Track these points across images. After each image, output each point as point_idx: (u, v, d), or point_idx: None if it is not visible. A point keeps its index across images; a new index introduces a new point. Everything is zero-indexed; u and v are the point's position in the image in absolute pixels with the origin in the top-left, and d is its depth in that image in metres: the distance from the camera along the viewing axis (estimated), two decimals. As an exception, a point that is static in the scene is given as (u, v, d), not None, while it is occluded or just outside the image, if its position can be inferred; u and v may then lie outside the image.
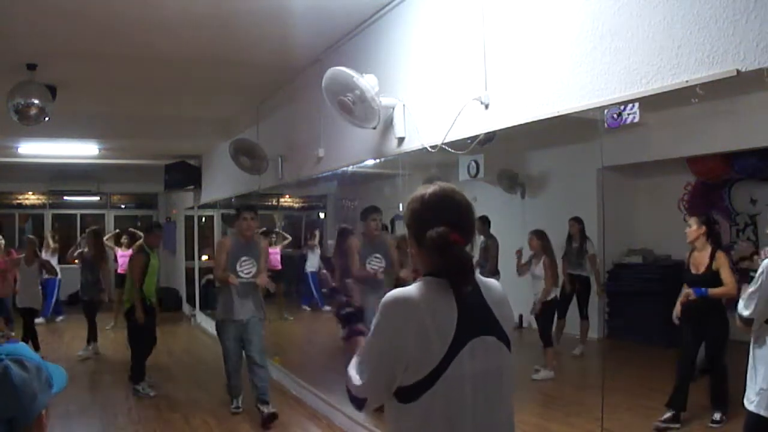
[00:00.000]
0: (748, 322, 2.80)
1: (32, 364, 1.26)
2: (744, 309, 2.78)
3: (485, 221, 6.52)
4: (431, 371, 1.47)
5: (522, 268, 5.93)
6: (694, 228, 4.40)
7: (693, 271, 4.42)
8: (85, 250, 8.04)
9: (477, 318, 1.55)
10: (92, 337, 7.92)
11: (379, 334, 1.54)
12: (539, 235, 5.85)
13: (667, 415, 4.35)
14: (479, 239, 6.63)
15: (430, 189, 1.63)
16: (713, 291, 4.21)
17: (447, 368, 1.47)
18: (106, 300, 8.13)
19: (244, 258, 5.22)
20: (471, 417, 1.51)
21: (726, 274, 4.22)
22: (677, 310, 4.41)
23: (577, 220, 6.12)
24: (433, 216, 1.57)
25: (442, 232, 1.53)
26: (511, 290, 5.80)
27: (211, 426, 5.18)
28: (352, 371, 1.59)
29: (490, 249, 6.43)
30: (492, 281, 1.68)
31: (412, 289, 1.54)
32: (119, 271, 10.15)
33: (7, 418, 1.20)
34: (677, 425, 4.33)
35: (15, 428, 1.21)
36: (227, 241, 5.40)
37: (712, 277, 4.26)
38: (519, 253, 6.02)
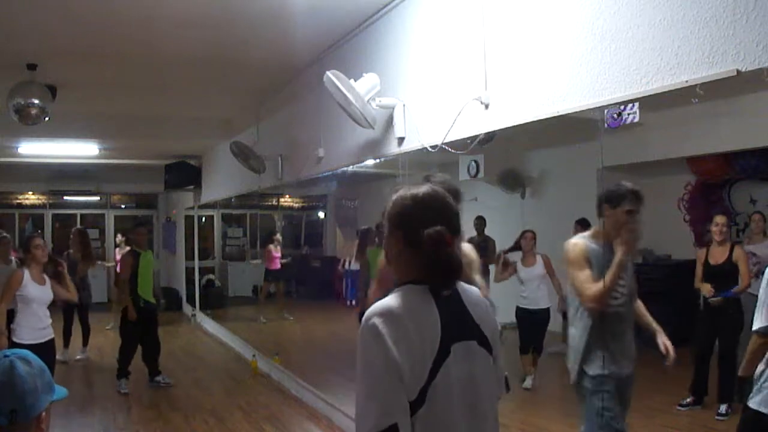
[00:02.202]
0: (763, 334, 2.60)
1: (37, 364, 1.29)
2: (757, 321, 2.61)
3: (482, 221, 6.52)
4: (423, 384, 1.42)
5: (504, 274, 5.69)
6: (724, 224, 4.83)
7: (712, 262, 4.83)
8: (71, 251, 7.86)
9: (458, 323, 1.53)
10: (85, 340, 7.88)
11: (371, 357, 1.42)
12: (534, 235, 5.80)
13: (688, 399, 4.80)
14: (475, 239, 6.63)
15: (423, 189, 1.58)
16: (736, 290, 4.65)
17: (436, 377, 1.44)
18: (91, 303, 7.99)
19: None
20: (461, 422, 1.49)
21: (743, 268, 4.68)
22: (707, 288, 4.80)
23: (581, 223, 6.07)
24: (428, 217, 1.54)
25: (441, 230, 1.51)
26: (511, 291, 5.72)
27: (211, 426, 5.18)
28: (361, 412, 1.41)
29: (489, 248, 6.43)
30: (470, 286, 1.65)
31: (391, 302, 1.47)
32: (118, 270, 10.19)
33: (9, 410, 1.22)
34: (699, 407, 4.81)
35: (16, 422, 1.23)
36: (585, 247, 2.96)
37: (730, 268, 4.72)
38: (501, 257, 5.80)
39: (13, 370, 1.24)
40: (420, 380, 1.41)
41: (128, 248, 9.15)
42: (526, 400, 5.44)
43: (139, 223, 7.03)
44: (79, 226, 10.51)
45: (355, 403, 1.43)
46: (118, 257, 10.21)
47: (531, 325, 5.66)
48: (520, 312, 5.68)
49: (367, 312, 1.46)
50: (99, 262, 9.91)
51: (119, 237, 10.91)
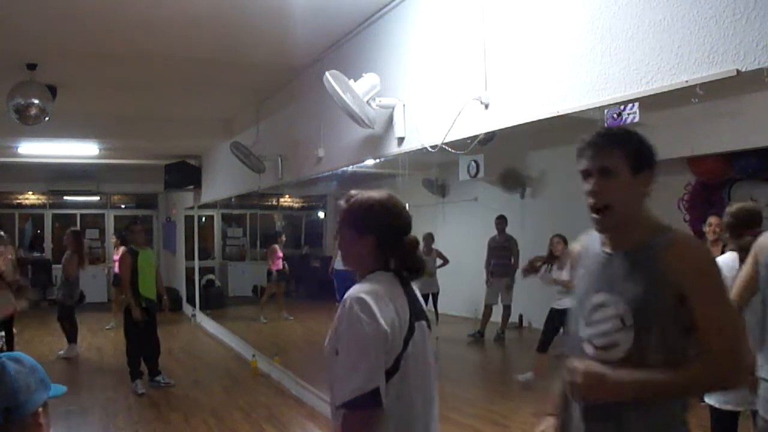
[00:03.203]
0: None
1: (28, 362, 1.32)
2: None
3: (504, 220, 6.54)
4: (398, 354, 1.65)
5: (546, 277, 5.60)
6: (716, 225, 4.62)
7: None
8: (68, 252, 7.87)
9: (416, 305, 1.77)
10: (73, 338, 7.82)
11: (361, 328, 1.59)
12: (559, 237, 5.68)
13: None
14: (497, 238, 6.65)
15: (385, 195, 1.79)
16: None
17: (407, 348, 1.67)
18: (72, 303, 7.93)
19: None
20: (423, 392, 1.73)
21: None
22: None
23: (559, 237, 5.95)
24: (395, 221, 1.78)
25: (414, 239, 1.79)
26: (521, 289, 5.75)
27: (211, 426, 5.18)
28: (345, 376, 1.59)
29: (513, 248, 6.44)
30: None
31: (373, 284, 1.69)
32: (116, 270, 10.22)
33: (3, 408, 1.24)
34: None
35: (11, 420, 1.25)
36: None
37: None
38: (541, 262, 5.66)
39: (3, 370, 1.27)
40: (396, 350, 1.64)
41: (123, 248, 9.20)
42: (526, 401, 5.44)
43: (134, 222, 7.02)
44: (73, 227, 10.47)
45: (338, 371, 1.61)
46: (116, 257, 10.23)
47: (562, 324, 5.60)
48: (557, 313, 5.37)
49: (353, 291, 1.66)
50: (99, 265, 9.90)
51: (114, 238, 10.93)
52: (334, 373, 1.63)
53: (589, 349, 1.61)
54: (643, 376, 1.48)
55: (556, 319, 5.44)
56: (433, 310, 7.08)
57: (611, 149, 1.59)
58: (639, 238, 1.58)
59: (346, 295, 1.63)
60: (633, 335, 1.52)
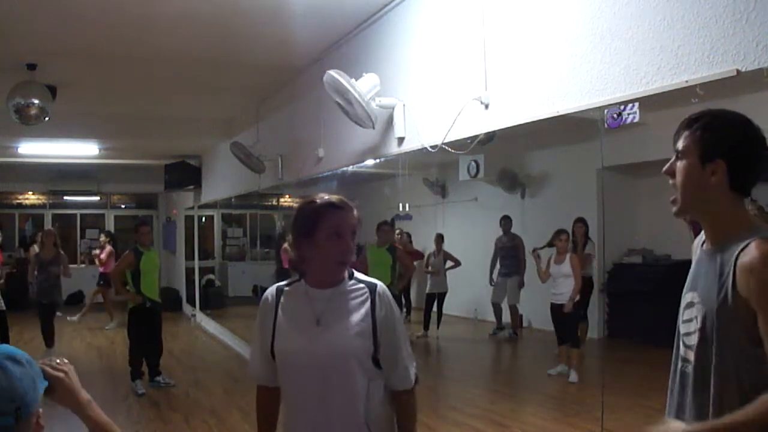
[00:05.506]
0: None
1: (24, 358, 1.31)
2: None
3: (509, 220, 6.58)
4: None
5: (545, 274, 5.80)
6: None
7: None
8: (41, 251, 7.87)
9: None
10: (50, 342, 7.73)
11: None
12: (567, 235, 5.80)
13: None
14: (503, 238, 6.69)
15: None
16: None
17: None
18: (62, 303, 7.93)
19: None
20: None
21: None
22: None
23: (582, 222, 6.09)
24: None
25: None
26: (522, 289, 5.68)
27: (211, 426, 5.18)
28: (409, 363, 1.90)
29: (519, 246, 6.49)
30: None
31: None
32: (101, 271, 10.25)
33: (15, 408, 1.24)
34: None
35: (20, 418, 1.25)
36: None
37: None
38: (537, 255, 5.85)
39: (6, 371, 1.26)
40: None
41: (110, 248, 9.24)
42: (526, 400, 5.44)
43: (142, 222, 7.00)
44: (49, 227, 10.42)
45: (403, 355, 1.88)
46: (102, 257, 10.21)
47: (563, 318, 5.72)
48: (554, 307, 5.70)
49: (379, 283, 1.90)
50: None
51: (102, 237, 10.88)
52: (399, 357, 1.85)
53: (681, 348, 1.55)
54: (716, 423, 1.37)
55: (557, 312, 5.68)
56: (436, 310, 7.09)
57: (687, 131, 1.53)
58: (724, 237, 1.47)
59: (377, 287, 1.87)
60: (698, 338, 1.46)
